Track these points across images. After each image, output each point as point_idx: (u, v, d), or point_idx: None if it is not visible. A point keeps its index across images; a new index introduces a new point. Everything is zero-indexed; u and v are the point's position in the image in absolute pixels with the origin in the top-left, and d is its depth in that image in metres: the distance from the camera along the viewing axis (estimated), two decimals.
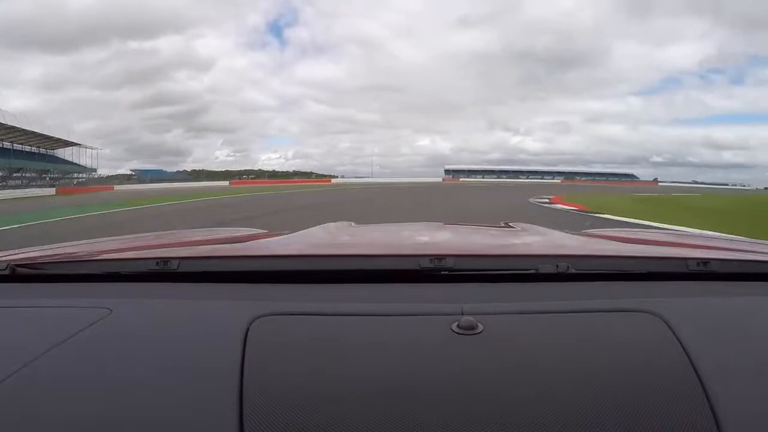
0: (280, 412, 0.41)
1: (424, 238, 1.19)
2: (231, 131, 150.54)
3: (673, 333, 0.50)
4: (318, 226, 1.28)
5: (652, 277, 0.69)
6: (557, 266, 0.67)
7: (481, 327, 0.50)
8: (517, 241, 1.12)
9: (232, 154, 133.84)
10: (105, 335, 0.53)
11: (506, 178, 73.77)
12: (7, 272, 0.72)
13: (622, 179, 74.89)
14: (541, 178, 74.56)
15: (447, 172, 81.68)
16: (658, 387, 0.43)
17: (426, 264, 0.68)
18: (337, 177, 68.00)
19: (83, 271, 0.75)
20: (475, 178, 73.82)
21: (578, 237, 1.16)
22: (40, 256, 0.85)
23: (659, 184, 65.19)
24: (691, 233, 1.22)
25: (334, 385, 0.44)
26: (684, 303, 0.59)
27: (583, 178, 72.80)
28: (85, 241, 1.15)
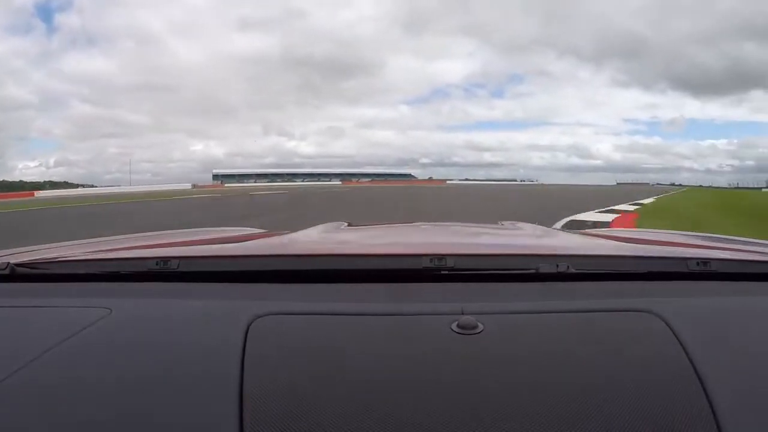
0: (280, 411, 0.41)
1: (424, 238, 1.19)
2: None
3: (673, 333, 0.50)
4: (318, 226, 1.28)
5: (653, 277, 0.69)
6: (557, 266, 0.67)
7: (481, 327, 0.50)
8: (517, 240, 1.12)
9: None
10: (105, 335, 0.52)
11: (281, 181, 71.88)
12: (6, 272, 0.71)
13: (399, 179, 79.16)
14: (317, 180, 74.48)
15: (215, 177, 79.06)
16: (658, 387, 0.43)
17: (426, 264, 0.68)
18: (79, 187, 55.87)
19: (83, 271, 0.75)
20: (247, 182, 71.83)
21: (578, 236, 1.17)
22: (40, 256, 0.85)
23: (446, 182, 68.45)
24: (692, 233, 1.21)
25: (334, 384, 0.44)
26: (684, 303, 0.59)
27: (361, 179, 73.76)
28: (85, 241, 1.15)
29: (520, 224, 1.38)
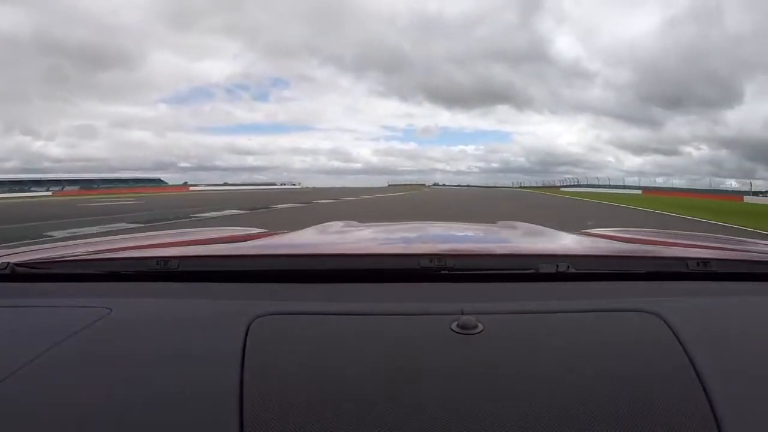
0: (280, 411, 0.41)
1: (425, 238, 1.19)
2: None
3: (673, 333, 0.50)
4: (318, 226, 1.28)
5: (652, 277, 0.69)
6: (557, 266, 0.67)
7: (481, 326, 0.50)
8: (517, 240, 1.12)
9: None
10: (105, 335, 0.52)
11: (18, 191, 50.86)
12: (7, 272, 0.71)
13: (148, 185, 62.99)
14: (62, 188, 56.72)
15: None
16: (657, 386, 0.43)
17: (426, 263, 0.68)
18: None
19: (83, 271, 0.75)
20: None
21: (578, 237, 1.16)
22: (40, 256, 0.85)
23: (190, 188, 57.84)
24: (691, 233, 1.21)
25: (334, 384, 0.44)
26: (684, 303, 0.59)
27: (102, 186, 57.19)
28: (85, 241, 1.15)
29: (520, 224, 1.38)
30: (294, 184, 75.04)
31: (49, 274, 0.74)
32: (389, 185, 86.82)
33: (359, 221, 1.42)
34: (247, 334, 0.50)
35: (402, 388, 0.43)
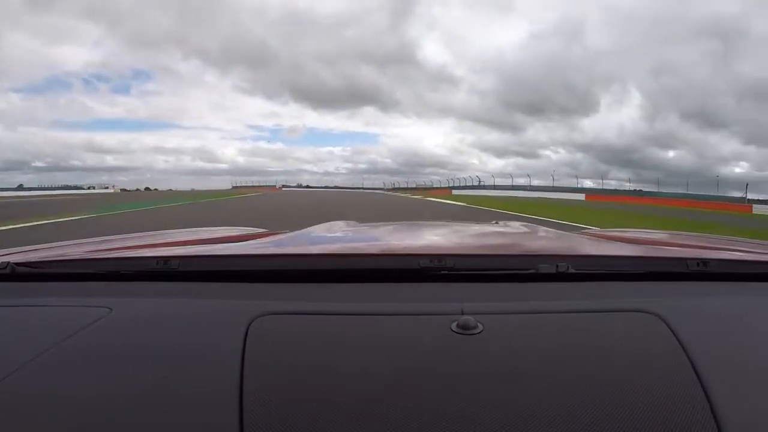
0: (280, 411, 0.41)
1: (424, 238, 1.19)
2: None
3: (673, 333, 0.50)
4: (318, 226, 1.28)
5: (652, 278, 0.69)
6: (557, 266, 0.67)
7: (480, 327, 0.50)
8: (517, 241, 1.12)
9: None
10: (105, 334, 0.52)
11: None
12: (7, 271, 0.71)
13: None
14: None
15: None
16: (657, 387, 0.43)
17: (426, 263, 0.68)
18: None
19: (83, 270, 0.75)
20: None
21: (578, 237, 1.16)
22: (41, 256, 0.85)
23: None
24: (691, 233, 1.21)
25: (334, 384, 0.44)
26: (684, 303, 0.59)
27: None
28: (85, 240, 1.15)
29: (520, 224, 1.38)
30: (106, 188, 66.40)
31: (49, 273, 0.74)
32: (233, 187, 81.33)
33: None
34: (247, 334, 0.50)
35: (402, 388, 0.43)
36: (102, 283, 0.70)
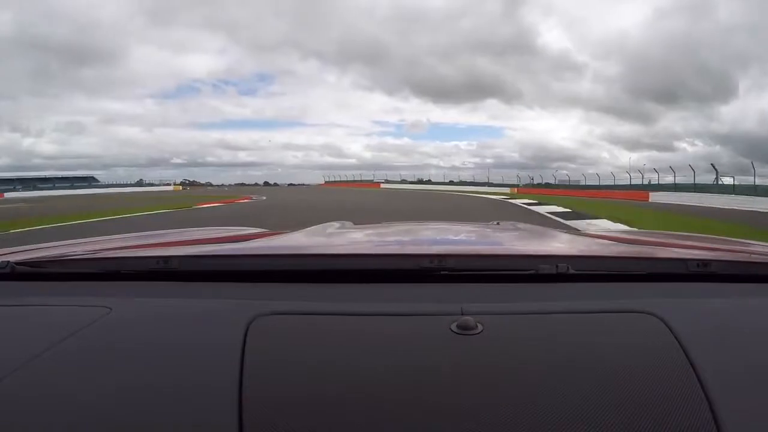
0: (279, 410, 0.41)
1: (424, 238, 1.19)
2: None
3: (673, 334, 0.50)
4: (318, 226, 1.28)
5: (652, 278, 0.69)
6: (557, 267, 0.67)
7: (480, 327, 0.50)
8: (517, 241, 1.12)
9: None
10: (105, 334, 0.53)
11: None
12: (7, 271, 0.72)
13: (76, 186, 47.66)
14: None
15: None
16: (657, 388, 0.43)
17: (426, 264, 0.68)
18: None
19: (83, 270, 0.75)
20: None
21: (578, 237, 1.17)
22: (41, 255, 0.85)
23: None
24: (691, 234, 1.21)
25: (334, 384, 0.44)
26: (683, 304, 0.59)
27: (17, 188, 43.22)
28: (85, 240, 1.15)
29: (520, 225, 1.38)
30: (167, 184, 59.40)
31: (49, 273, 0.74)
32: (326, 182, 69.90)
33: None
34: (246, 334, 0.50)
35: (401, 388, 0.43)
36: (102, 283, 0.70)
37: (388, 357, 0.47)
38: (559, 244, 1.08)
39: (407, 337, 0.51)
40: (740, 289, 0.67)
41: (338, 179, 66.45)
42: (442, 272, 0.68)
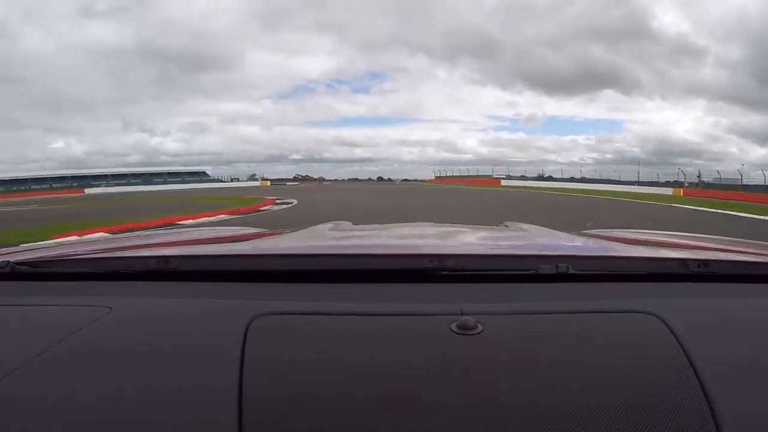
0: (279, 411, 0.41)
1: (425, 238, 1.19)
2: None
3: (673, 334, 0.50)
4: (318, 226, 1.28)
5: (652, 278, 0.69)
6: (557, 267, 0.67)
7: (480, 327, 0.50)
8: (517, 241, 1.12)
9: None
10: (105, 334, 0.53)
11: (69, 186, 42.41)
12: (7, 270, 0.72)
13: (187, 181, 49.48)
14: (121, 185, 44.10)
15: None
16: (657, 388, 0.43)
17: (426, 264, 0.68)
18: None
19: (83, 270, 0.75)
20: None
21: (578, 237, 1.16)
22: (41, 255, 0.85)
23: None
24: (691, 234, 1.20)
25: (334, 383, 0.44)
26: (684, 304, 0.59)
27: (132, 182, 46.19)
28: (85, 239, 1.15)
29: (520, 225, 1.38)
30: (237, 179, 55.87)
31: (49, 273, 0.74)
32: (436, 177, 59.15)
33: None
34: (246, 334, 0.50)
35: (401, 387, 0.43)
36: (102, 283, 0.70)
37: (388, 357, 0.47)
38: (560, 244, 1.08)
39: (407, 337, 0.51)
40: (740, 289, 0.67)
41: (451, 174, 57.76)
42: (442, 272, 0.68)
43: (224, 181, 55.08)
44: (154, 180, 51.88)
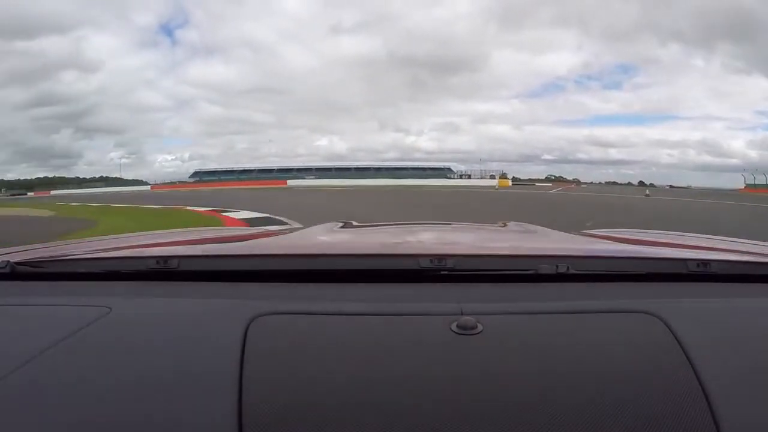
0: (279, 410, 0.41)
1: (425, 238, 1.19)
2: (121, 132, 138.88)
3: (673, 334, 0.50)
4: (318, 226, 1.28)
5: (652, 278, 0.69)
6: (557, 267, 0.67)
7: (480, 327, 0.50)
8: (517, 241, 1.12)
9: (127, 156, 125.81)
10: (105, 334, 0.53)
11: (253, 178, 47.85)
12: (7, 270, 0.71)
13: (432, 176, 49.48)
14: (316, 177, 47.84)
15: (196, 174, 59.44)
16: (657, 388, 0.43)
17: (426, 264, 0.68)
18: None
19: (83, 270, 0.75)
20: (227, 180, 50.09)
21: (578, 237, 1.17)
22: (40, 255, 0.85)
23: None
24: (691, 234, 1.20)
25: (334, 383, 0.44)
26: (684, 304, 0.59)
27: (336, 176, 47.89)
28: (85, 240, 1.15)
29: (520, 225, 1.38)
30: (468, 176, 51.00)
31: (49, 273, 0.74)
32: (745, 186, 43.91)
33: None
34: (246, 334, 0.50)
35: (401, 388, 0.43)
36: (102, 283, 0.70)
37: (388, 357, 0.47)
38: (559, 244, 1.08)
39: (407, 337, 0.51)
40: (740, 289, 0.67)
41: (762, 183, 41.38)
42: (442, 272, 0.68)
43: (451, 178, 49.03)
44: (377, 174, 49.48)
